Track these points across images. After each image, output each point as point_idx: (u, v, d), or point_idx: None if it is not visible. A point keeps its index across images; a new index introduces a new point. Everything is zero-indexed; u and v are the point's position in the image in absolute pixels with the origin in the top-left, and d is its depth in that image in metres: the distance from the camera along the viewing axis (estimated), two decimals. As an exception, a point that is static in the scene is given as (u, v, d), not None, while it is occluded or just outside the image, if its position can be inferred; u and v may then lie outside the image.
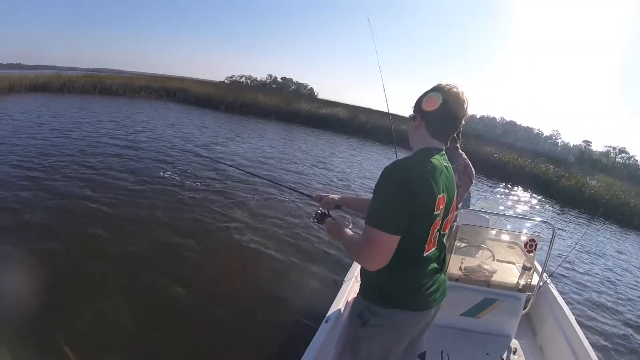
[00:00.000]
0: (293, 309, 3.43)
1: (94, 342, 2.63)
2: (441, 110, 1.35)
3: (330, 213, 1.80)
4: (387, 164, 1.34)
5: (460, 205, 2.83)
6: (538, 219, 4.48)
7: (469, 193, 3.16)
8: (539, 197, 12.84)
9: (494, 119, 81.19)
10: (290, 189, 1.92)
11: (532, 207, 11.21)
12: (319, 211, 1.81)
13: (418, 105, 1.43)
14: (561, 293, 3.12)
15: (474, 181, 2.89)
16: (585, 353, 2.31)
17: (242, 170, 5.24)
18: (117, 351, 2.60)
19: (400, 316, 1.43)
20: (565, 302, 2.92)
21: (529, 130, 75.70)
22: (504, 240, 3.00)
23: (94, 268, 3.53)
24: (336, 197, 1.87)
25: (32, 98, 16.72)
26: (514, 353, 2.58)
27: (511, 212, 9.29)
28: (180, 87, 25.54)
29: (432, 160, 1.34)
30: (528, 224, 7.36)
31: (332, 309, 2.35)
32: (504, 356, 2.53)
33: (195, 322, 2.99)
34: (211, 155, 8.79)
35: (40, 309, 2.83)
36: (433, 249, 1.42)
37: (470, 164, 2.84)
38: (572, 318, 2.67)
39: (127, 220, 4.61)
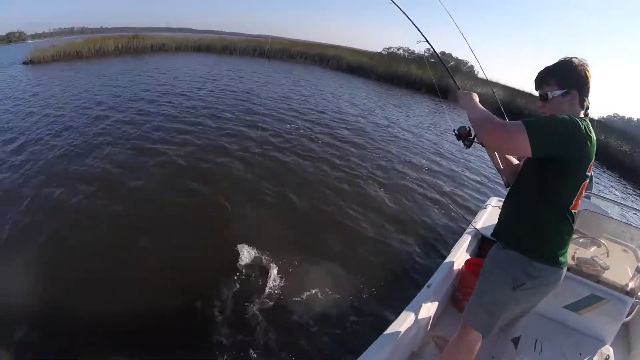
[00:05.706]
0: (395, 273, 3.68)
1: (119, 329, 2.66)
2: (588, 82, 1.45)
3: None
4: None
5: None
6: None
7: (592, 178, 2.77)
8: None
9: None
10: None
11: None
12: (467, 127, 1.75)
13: (571, 78, 1.45)
14: None
15: None
16: None
17: None
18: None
19: (556, 275, 1.51)
20: None
21: None
22: (621, 242, 2.64)
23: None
24: None
25: (195, 57, 20.05)
26: None
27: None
28: (334, 54, 26.61)
29: (593, 131, 1.39)
30: None
31: (436, 276, 2.45)
32: None
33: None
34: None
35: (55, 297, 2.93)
36: (575, 211, 1.48)
37: None
38: None
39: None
